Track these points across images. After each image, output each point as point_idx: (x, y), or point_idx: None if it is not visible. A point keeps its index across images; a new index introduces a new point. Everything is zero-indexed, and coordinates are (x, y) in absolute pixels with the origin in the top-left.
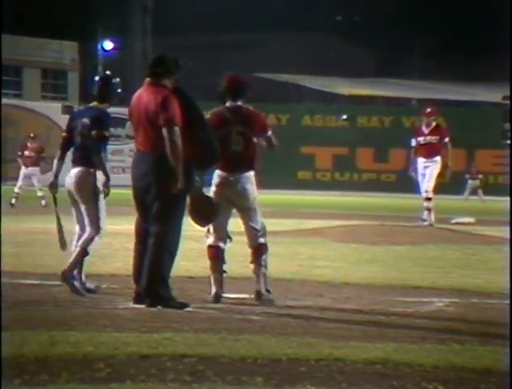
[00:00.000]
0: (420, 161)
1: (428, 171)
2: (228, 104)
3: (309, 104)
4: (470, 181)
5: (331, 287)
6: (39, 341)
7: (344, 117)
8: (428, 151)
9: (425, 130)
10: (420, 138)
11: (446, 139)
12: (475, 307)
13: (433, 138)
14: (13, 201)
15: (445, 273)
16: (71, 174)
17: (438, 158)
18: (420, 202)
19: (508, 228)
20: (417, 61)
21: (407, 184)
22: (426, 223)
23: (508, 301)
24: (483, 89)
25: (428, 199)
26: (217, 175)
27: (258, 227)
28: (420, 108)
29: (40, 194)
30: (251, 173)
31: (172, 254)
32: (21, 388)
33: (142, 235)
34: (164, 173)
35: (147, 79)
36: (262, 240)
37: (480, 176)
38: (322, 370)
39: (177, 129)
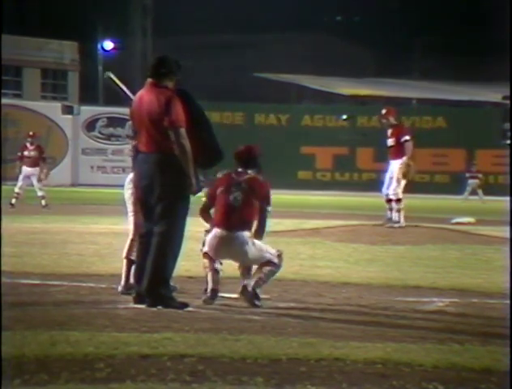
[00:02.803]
0: (391, 162)
1: (394, 173)
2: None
3: (309, 104)
4: (470, 181)
5: (331, 287)
6: (39, 341)
7: (344, 117)
8: (391, 153)
9: (388, 133)
10: (387, 141)
11: (405, 138)
12: (475, 307)
13: (392, 140)
14: (13, 201)
15: (445, 273)
16: None
17: (401, 160)
18: (420, 202)
19: (508, 228)
20: (417, 61)
21: (407, 184)
22: (397, 225)
23: (508, 301)
24: (483, 89)
25: (398, 201)
26: (214, 232)
27: (268, 259)
28: (420, 108)
29: (40, 194)
30: (248, 234)
31: (175, 255)
32: (21, 388)
33: (144, 235)
34: (167, 174)
35: (149, 80)
36: (275, 259)
37: (480, 175)
38: (323, 370)
39: (183, 130)
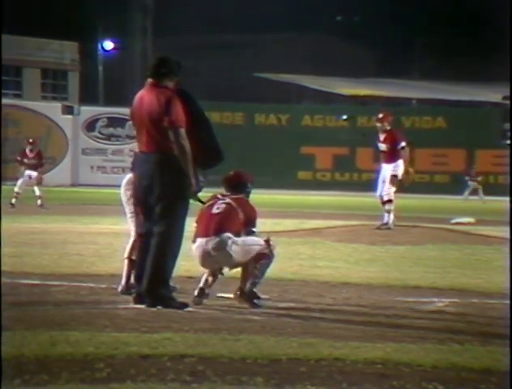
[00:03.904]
0: (383, 165)
1: (387, 174)
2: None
3: (309, 104)
4: (470, 183)
5: (331, 287)
6: (39, 341)
7: (344, 117)
8: (384, 158)
9: (381, 138)
10: (379, 145)
11: (402, 144)
12: (475, 307)
13: (385, 146)
14: (13, 201)
15: (445, 273)
16: None
17: (395, 164)
18: (420, 202)
19: (508, 228)
20: (417, 62)
21: (407, 184)
22: (384, 227)
23: (508, 301)
24: (483, 89)
25: (389, 201)
26: (196, 243)
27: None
28: (420, 108)
29: (37, 193)
30: (226, 235)
31: (175, 255)
32: (21, 388)
33: (144, 235)
34: (167, 174)
35: (149, 80)
36: (265, 250)
37: (480, 178)
38: (322, 370)
39: (182, 131)
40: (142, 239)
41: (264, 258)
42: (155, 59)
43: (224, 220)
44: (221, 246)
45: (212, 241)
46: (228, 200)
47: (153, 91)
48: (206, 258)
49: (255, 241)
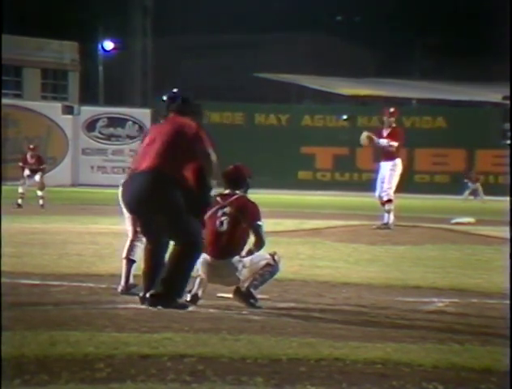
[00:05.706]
0: (382, 164)
1: (386, 174)
2: (225, 192)
3: (309, 104)
4: (470, 184)
5: (331, 287)
6: (39, 341)
7: (344, 117)
8: (385, 154)
9: (384, 133)
10: (380, 140)
11: (394, 144)
12: (475, 307)
13: (386, 141)
14: (19, 201)
15: (445, 273)
16: None
17: (395, 161)
18: (420, 202)
19: (508, 228)
20: (417, 61)
21: (407, 184)
22: (383, 227)
23: (508, 301)
24: (483, 89)
25: (389, 201)
26: (204, 258)
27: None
28: (420, 108)
29: (39, 193)
30: (237, 258)
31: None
32: (21, 388)
33: (153, 244)
34: (171, 191)
35: (171, 114)
36: (271, 262)
37: (478, 182)
38: (322, 370)
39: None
40: (151, 248)
41: (268, 267)
42: (178, 98)
43: (232, 239)
44: (231, 272)
45: (222, 266)
46: (229, 210)
47: (178, 118)
48: (212, 277)
49: (261, 257)
